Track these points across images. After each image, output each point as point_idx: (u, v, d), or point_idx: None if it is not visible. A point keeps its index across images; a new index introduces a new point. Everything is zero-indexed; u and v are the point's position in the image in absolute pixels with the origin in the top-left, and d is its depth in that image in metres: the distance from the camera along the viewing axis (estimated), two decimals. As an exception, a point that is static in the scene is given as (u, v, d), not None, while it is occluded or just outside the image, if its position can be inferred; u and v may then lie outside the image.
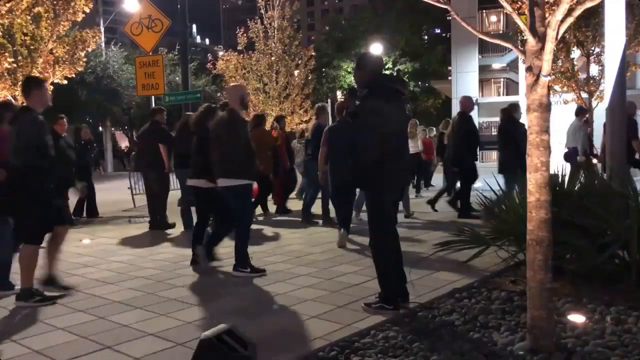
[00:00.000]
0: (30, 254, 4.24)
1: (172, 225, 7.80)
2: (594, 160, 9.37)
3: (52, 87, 6.68)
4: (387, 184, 3.81)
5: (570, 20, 2.76)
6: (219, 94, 29.14)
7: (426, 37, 43.03)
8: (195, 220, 5.63)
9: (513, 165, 6.66)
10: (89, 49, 6.82)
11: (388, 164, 3.76)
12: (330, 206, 7.30)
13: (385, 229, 3.86)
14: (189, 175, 5.50)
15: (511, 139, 7.36)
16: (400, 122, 3.98)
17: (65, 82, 6.77)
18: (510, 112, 7.72)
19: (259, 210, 8.76)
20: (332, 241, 6.41)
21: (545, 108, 2.78)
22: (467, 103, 8.18)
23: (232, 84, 6.63)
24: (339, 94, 42.88)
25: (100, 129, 31.72)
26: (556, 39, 2.73)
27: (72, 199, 8.75)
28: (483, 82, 29.18)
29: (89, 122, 25.25)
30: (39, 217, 4.21)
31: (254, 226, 7.98)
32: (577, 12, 2.75)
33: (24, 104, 4.46)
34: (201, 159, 5.21)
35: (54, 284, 4.61)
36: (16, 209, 4.27)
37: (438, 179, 12.92)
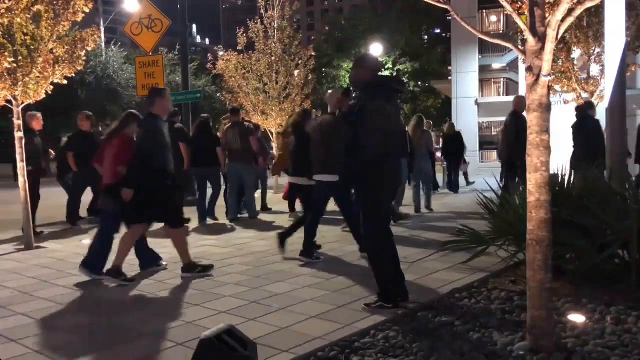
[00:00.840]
0: (182, 235, 5.06)
1: (188, 220, 7.84)
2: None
3: (52, 87, 6.65)
4: (386, 184, 3.81)
5: (570, 20, 2.76)
6: (218, 94, 29.15)
7: (426, 37, 43.03)
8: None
9: (586, 161, 6.73)
10: (89, 48, 6.79)
11: (387, 164, 3.78)
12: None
13: (382, 228, 3.87)
14: (290, 174, 6.19)
15: (586, 135, 7.41)
16: (399, 122, 4.02)
17: (65, 82, 6.74)
18: (585, 109, 7.80)
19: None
20: (332, 241, 6.41)
21: (546, 108, 2.78)
22: (522, 102, 8.19)
23: (331, 90, 6.79)
24: (338, 93, 42.85)
25: (100, 128, 31.74)
26: (556, 38, 2.73)
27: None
28: (483, 82, 29.16)
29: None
30: (175, 205, 5.09)
31: (254, 226, 8.00)
32: (577, 12, 2.75)
33: (150, 112, 4.90)
34: (302, 158, 5.77)
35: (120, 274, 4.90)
36: (158, 203, 4.85)
37: (438, 180, 12.95)
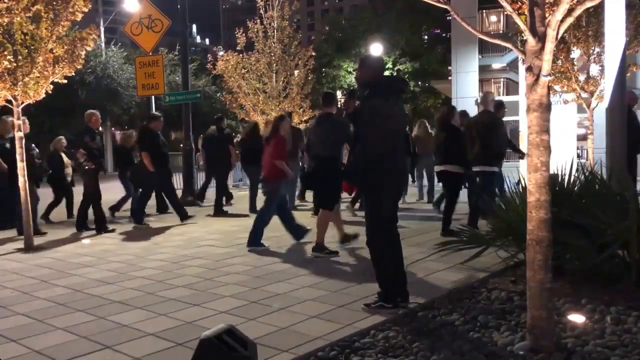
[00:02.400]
0: (326, 217, 5.86)
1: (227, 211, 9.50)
2: None
3: (51, 86, 6.65)
4: (387, 185, 3.81)
5: (570, 20, 2.76)
6: (218, 94, 29.14)
7: (426, 37, 42.98)
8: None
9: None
10: (88, 48, 6.78)
11: (388, 164, 3.77)
12: None
13: (384, 229, 3.86)
14: (437, 163, 6.85)
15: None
16: (401, 122, 4.01)
17: (65, 81, 6.74)
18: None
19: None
20: (332, 241, 6.41)
21: (545, 108, 2.78)
22: (634, 97, 8.17)
23: (485, 91, 7.70)
24: (339, 93, 42.87)
25: (101, 128, 31.73)
26: (556, 38, 2.73)
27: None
28: (483, 82, 29.13)
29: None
30: (335, 191, 6.01)
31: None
32: (577, 12, 2.75)
33: (325, 111, 6.04)
34: (451, 149, 6.54)
35: (348, 240, 6.13)
36: (323, 186, 5.88)
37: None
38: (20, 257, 6.18)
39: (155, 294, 4.42)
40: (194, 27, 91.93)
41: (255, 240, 6.21)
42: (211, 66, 18.28)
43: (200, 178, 12.62)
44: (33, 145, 8.26)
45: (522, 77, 7.80)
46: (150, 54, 11.50)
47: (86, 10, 6.51)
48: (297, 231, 6.50)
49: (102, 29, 30.76)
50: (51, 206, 9.24)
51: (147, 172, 8.29)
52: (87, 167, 7.53)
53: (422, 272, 4.81)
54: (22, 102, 6.46)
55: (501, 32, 27.13)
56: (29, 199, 6.67)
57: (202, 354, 2.47)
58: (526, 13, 2.81)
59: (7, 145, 7.66)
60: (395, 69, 38.31)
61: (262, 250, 6.08)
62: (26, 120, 7.02)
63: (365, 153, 3.79)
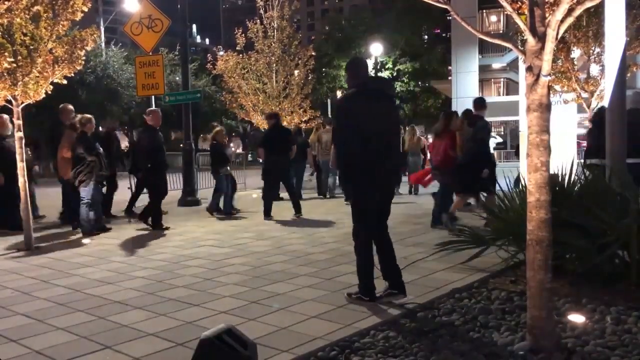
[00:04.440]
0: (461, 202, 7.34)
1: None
2: None
3: (51, 87, 6.65)
4: (369, 192, 3.84)
5: (570, 20, 2.76)
6: (218, 94, 29.14)
7: (426, 37, 42.99)
8: None
9: None
10: (88, 48, 6.78)
11: (360, 164, 3.79)
12: None
13: (366, 231, 3.93)
14: (587, 156, 7.42)
15: None
16: (381, 125, 3.88)
17: (65, 82, 6.74)
18: None
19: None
20: (332, 241, 6.42)
21: (545, 108, 2.77)
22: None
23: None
24: (339, 93, 42.85)
25: (101, 128, 31.76)
26: (556, 38, 2.73)
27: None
28: (483, 82, 29.17)
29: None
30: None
31: (254, 226, 7.99)
32: (577, 12, 2.75)
33: (477, 114, 7.31)
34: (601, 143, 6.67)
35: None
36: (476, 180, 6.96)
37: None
38: (20, 257, 6.18)
39: (155, 294, 4.42)
40: (194, 27, 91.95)
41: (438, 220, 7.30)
42: (211, 66, 18.27)
43: (199, 178, 12.59)
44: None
45: (522, 77, 7.80)
46: (150, 54, 11.49)
47: (86, 9, 6.50)
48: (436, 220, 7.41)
49: (102, 29, 30.75)
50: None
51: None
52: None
53: (422, 272, 4.81)
54: (22, 102, 6.45)
55: (501, 32, 27.14)
56: (29, 199, 6.67)
57: (202, 354, 2.47)
58: (526, 13, 2.80)
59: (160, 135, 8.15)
60: (395, 69, 38.33)
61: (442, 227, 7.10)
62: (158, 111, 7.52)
63: (340, 158, 3.94)
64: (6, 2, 5.74)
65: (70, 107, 8.58)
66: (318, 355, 2.95)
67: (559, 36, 2.77)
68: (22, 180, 6.57)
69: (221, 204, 9.49)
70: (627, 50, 6.55)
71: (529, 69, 2.79)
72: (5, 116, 7.84)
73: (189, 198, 11.28)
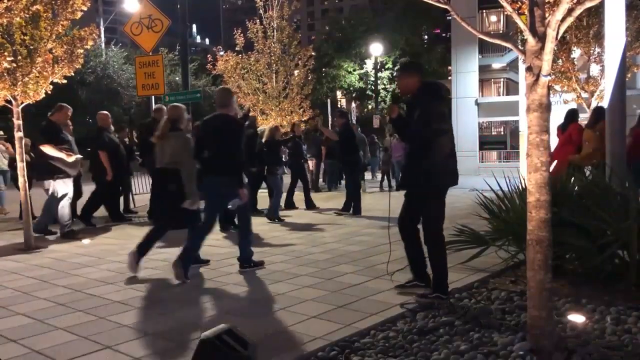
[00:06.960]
0: None
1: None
2: None
3: (51, 86, 6.65)
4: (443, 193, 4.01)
5: (570, 20, 2.76)
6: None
7: (426, 37, 43.04)
8: None
9: None
10: (88, 47, 6.78)
11: (443, 165, 3.94)
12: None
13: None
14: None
15: None
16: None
17: (65, 81, 6.74)
18: None
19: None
20: (332, 241, 6.42)
21: (545, 108, 2.77)
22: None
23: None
24: (338, 93, 42.88)
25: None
26: (556, 38, 2.73)
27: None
28: (483, 82, 29.15)
29: (89, 122, 25.32)
30: None
31: (253, 226, 7.99)
32: (577, 12, 2.75)
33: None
34: None
35: None
36: None
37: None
38: (20, 257, 6.18)
39: (155, 294, 4.42)
40: (194, 27, 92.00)
41: None
42: (211, 66, 18.27)
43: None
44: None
45: (522, 77, 7.82)
46: (150, 54, 11.49)
47: (85, 8, 6.50)
48: None
49: (102, 29, 30.76)
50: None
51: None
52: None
53: (422, 272, 4.80)
54: (22, 102, 6.45)
55: (501, 32, 27.13)
56: (28, 199, 6.67)
57: (202, 354, 2.47)
58: (526, 13, 2.81)
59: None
60: (395, 69, 38.32)
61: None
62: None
63: (430, 155, 3.95)
64: (5, 2, 5.74)
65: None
66: (318, 355, 2.95)
67: (559, 36, 2.77)
68: (22, 180, 6.57)
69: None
70: (627, 51, 6.56)
71: (529, 69, 2.79)
72: (106, 112, 8.78)
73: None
